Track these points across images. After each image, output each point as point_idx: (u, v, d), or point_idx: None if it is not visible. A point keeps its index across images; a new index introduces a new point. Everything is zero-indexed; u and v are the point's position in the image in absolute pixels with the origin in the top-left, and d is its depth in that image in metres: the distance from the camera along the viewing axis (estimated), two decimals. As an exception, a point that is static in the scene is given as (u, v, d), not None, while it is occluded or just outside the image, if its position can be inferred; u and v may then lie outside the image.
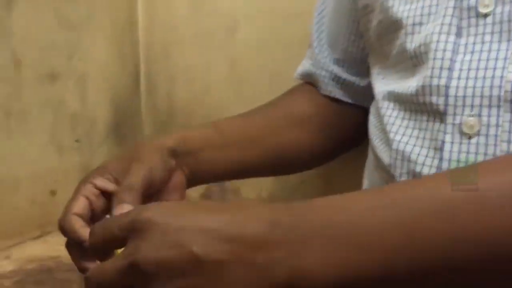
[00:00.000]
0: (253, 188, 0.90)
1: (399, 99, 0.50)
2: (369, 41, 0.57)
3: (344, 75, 0.65)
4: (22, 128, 0.78)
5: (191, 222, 0.34)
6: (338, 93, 0.66)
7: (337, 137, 0.66)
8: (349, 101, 0.66)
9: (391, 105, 0.52)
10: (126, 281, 0.34)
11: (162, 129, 1.02)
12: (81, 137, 0.89)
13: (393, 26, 0.51)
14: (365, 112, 0.61)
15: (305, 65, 0.69)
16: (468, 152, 0.44)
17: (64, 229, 0.51)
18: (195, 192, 1.01)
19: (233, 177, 0.65)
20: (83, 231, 0.49)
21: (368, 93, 0.60)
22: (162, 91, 1.01)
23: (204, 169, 0.58)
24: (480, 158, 0.43)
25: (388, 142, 0.51)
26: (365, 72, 0.63)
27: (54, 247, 0.77)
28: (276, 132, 0.63)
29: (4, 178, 0.76)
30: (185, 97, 0.99)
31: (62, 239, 0.81)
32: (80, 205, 0.51)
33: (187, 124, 0.99)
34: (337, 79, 0.65)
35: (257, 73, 0.94)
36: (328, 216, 0.33)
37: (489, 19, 0.44)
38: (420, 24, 0.48)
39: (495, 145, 0.42)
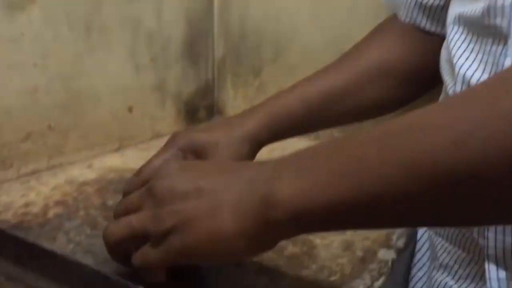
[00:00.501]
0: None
1: (466, 22, 0.49)
2: None
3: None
4: (102, 44, 0.80)
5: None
6: (423, 21, 0.63)
7: (422, 80, 0.64)
8: (435, 30, 0.63)
9: (459, 28, 0.50)
10: (143, 202, 0.42)
11: (234, 50, 1.02)
12: (157, 55, 0.91)
13: None
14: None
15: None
16: None
17: None
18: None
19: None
20: None
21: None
22: (235, 12, 1.00)
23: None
24: None
25: (453, 72, 0.49)
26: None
27: (132, 159, 0.82)
28: (360, 90, 0.62)
29: (88, 92, 0.79)
30: (258, 19, 0.98)
31: (139, 153, 0.86)
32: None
33: (258, 47, 0.98)
34: (419, 4, 0.62)
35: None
36: (296, 154, 0.38)
37: None
38: None
39: None
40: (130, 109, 0.88)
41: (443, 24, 0.61)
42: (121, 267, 0.45)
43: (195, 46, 0.99)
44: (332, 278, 0.50)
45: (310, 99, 0.61)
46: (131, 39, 0.85)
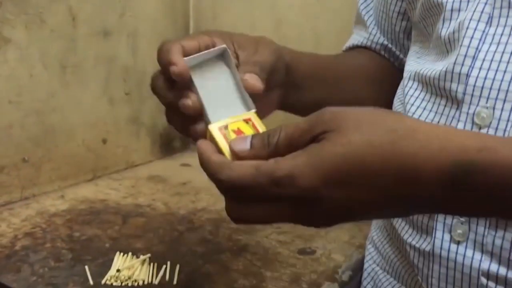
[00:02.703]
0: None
1: (423, 81, 0.52)
2: (414, 19, 0.58)
3: (393, 48, 0.66)
4: (77, 80, 0.85)
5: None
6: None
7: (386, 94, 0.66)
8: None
9: (416, 85, 0.53)
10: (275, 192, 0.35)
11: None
12: (132, 90, 0.95)
13: (435, 9, 0.51)
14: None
15: (357, 39, 0.69)
16: None
17: (161, 52, 0.44)
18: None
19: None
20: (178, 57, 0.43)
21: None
22: (209, 48, 1.05)
23: (298, 102, 0.57)
24: None
25: None
26: (406, 50, 0.64)
27: (104, 190, 0.85)
28: (346, 79, 0.63)
29: (61, 126, 0.83)
30: (231, 54, 1.03)
31: (111, 183, 0.89)
32: (191, 44, 0.45)
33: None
34: (388, 51, 0.66)
35: (301, 34, 0.96)
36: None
37: None
38: (459, 10, 0.48)
39: None
40: (104, 141, 0.91)
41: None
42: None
43: (170, 79, 1.04)
44: (275, 311, 0.54)
45: (324, 64, 0.61)
46: (106, 75, 0.90)
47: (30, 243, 0.66)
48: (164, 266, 0.61)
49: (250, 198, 0.36)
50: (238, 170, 0.36)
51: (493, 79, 0.44)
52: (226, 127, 0.41)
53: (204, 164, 0.38)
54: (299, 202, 0.35)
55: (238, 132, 0.40)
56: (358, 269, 0.64)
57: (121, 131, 0.95)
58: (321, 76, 0.59)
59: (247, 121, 0.42)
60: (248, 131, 0.41)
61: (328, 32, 0.92)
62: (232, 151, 0.38)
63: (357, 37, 0.69)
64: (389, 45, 0.66)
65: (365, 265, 0.64)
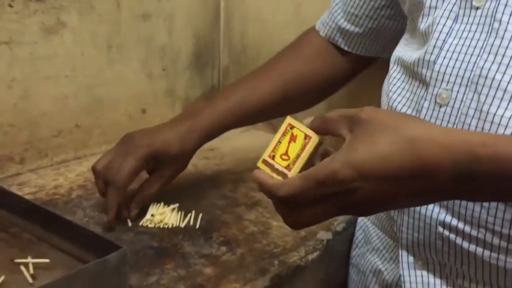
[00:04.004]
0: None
1: (403, 65, 0.62)
2: (405, 12, 0.67)
3: (348, 26, 0.78)
4: (121, 58, 0.98)
5: None
6: (341, 42, 0.80)
7: (328, 91, 0.84)
8: (351, 50, 0.79)
9: (398, 68, 0.64)
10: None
11: (236, 60, 1.19)
12: (168, 66, 1.08)
13: (418, 5, 0.61)
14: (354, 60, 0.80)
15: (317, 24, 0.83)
16: (437, 118, 0.55)
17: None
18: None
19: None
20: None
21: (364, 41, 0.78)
22: (237, 28, 1.17)
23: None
24: (444, 124, 0.54)
25: (388, 103, 0.63)
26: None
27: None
28: (274, 99, 0.79)
29: (108, 97, 0.97)
30: (255, 34, 1.14)
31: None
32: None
33: (256, 58, 1.14)
34: (338, 27, 0.79)
35: (319, 17, 1.05)
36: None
37: (479, 12, 0.53)
38: (435, 8, 0.57)
39: (457, 116, 0.53)
40: (143, 111, 1.05)
41: (362, 47, 0.78)
42: (120, 236, 0.63)
43: (202, 57, 1.16)
44: (275, 250, 0.67)
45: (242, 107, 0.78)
46: (145, 53, 1.03)
47: (83, 193, 0.81)
48: (189, 214, 0.74)
49: (302, 203, 0.47)
50: (290, 183, 0.46)
51: (453, 67, 0.54)
52: (273, 156, 0.50)
53: (263, 187, 0.49)
54: (342, 195, 0.45)
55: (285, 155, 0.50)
56: (351, 222, 0.76)
57: (159, 103, 1.09)
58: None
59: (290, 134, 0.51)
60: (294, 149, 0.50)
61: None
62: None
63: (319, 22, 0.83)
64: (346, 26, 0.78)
65: (358, 219, 0.76)
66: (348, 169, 0.44)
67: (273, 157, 0.50)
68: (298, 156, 0.49)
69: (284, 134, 0.50)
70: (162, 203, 0.76)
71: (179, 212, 0.75)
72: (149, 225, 0.71)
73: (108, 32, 0.95)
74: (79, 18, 0.90)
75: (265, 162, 0.50)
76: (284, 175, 0.49)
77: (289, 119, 0.51)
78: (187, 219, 0.73)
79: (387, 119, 0.46)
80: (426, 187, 0.44)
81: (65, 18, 0.88)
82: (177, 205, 0.76)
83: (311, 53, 0.81)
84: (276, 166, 0.49)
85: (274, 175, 0.49)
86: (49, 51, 0.87)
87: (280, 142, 0.50)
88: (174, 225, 0.72)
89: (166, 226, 0.71)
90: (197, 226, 0.72)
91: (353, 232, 0.76)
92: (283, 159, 0.49)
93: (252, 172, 0.50)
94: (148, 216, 0.73)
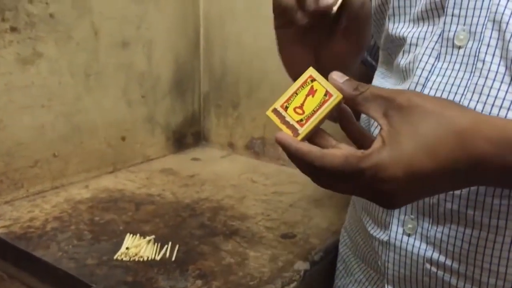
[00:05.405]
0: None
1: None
2: (380, 45, 0.67)
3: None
4: (99, 86, 0.98)
5: None
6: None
7: None
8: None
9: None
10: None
11: (217, 87, 1.19)
12: (147, 93, 1.08)
13: (398, 41, 0.60)
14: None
15: None
16: None
17: None
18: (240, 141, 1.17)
19: None
20: None
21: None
22: (217, 55, 1.17)
23: None
24: None
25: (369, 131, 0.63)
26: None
27: (122, 181, 0.99)
28: None
29: (86, 125, 0.97)
30: (236, 60, 1.14)
31: (129, 175, 1.03)
32: None
33: (237, 83, 1.15)
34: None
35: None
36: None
37: (461, 51, 0.52)
38: (416, 45, 0.57)
39: None
40: (123, 138, 1.05)
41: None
42: (94, 270, 0.61)
43: (183, 83, 1.16)
44: (251, 283, 0.66)
45: None
46: (124, 81, 1.03)
47: (58, 225, 0.80)
48: (166, 246, 0.73)
49: (336, 177, 0.43)
50: (329, 159, 0.42)
51: None
52: (286, 107, 0.45)
53: (297, 154, 0.43)
54: (378, 185, 0.42)
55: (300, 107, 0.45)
56: (329, 251, 0.75)
57: (138, 129, 1.08)
58: None
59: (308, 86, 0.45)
60: (311, 104, 0.45)
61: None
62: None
63: None
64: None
65: (340, 249, 0.75)
66: (394, 168, 0.41)
67: (285, 108, 0.45)
68: (313, 112, 0.44)
69: (302, 86, 0.45)
70: (138, 235, 0.75)
71: (155, 244, 0.74)
72: (124, 259, 0.70)
73: (86, 60, 0.95)
74: (56, 48, 0.90)
75: (275, 111, 0.45)
76: (294, 130, 0.44)
77: (311, 71, 0.45)
78: (163, 251, 0.72)
79: (430, 106, 0.43)
80: (471, 180, 0.44)
81: (41, 48, 0.88)
82: (153, 237, 0.75)
83: None
84: (288, 118, 0.44)
85: (283, 127, 0.44)
86: (25, 81, 0.86)
87: (297, 94, 0.45)
88: (150, 258, 0.71)
89: (142, 259, 0.70)
90: (173, 258, 0.71)
91: (332, 260, 0.75)
92: (297, 113, 0.44)
93: (275, 135, 0.45)
94: (123, 249, 0.72)
